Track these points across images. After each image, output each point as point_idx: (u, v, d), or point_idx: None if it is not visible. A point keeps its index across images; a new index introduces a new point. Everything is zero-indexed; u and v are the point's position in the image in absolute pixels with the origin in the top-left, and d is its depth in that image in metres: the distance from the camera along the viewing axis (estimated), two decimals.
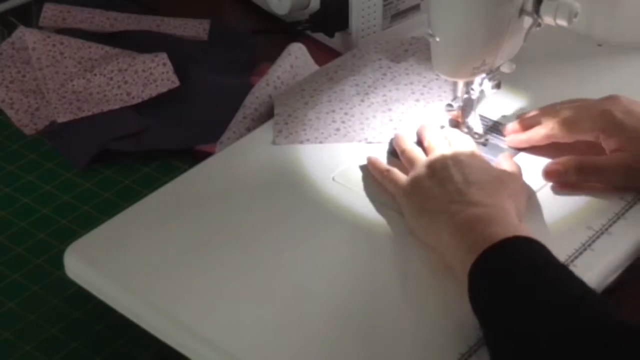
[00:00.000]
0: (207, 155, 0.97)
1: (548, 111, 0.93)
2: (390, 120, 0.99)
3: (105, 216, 0.91)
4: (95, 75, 1.09)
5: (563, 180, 0.90)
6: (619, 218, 0.87)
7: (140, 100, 1.08)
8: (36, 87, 1.10)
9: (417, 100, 1.01)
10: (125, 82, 1.09)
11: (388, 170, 0.89)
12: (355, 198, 0.89)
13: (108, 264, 0.83)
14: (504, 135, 0.96)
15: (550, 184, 0.91)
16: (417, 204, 0.85)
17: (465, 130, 0.96)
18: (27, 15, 1.21)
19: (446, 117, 0.97)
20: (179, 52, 1.13)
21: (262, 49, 1.18)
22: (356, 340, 0.76)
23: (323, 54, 1.14)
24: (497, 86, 0.94)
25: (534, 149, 0.94)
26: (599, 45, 1.10)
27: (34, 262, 0.91)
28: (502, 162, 0.90)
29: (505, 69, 0.93)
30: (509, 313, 0.73)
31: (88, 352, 0.83)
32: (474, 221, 0.79)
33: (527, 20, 0.90)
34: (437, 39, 0.89)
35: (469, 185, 0.83)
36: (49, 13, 1.19)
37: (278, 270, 0.82)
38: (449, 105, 0.96)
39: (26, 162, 1.03)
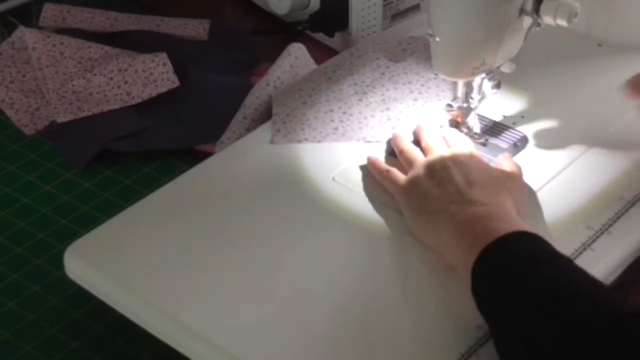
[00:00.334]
0: (207, 155, 0.97)
1: None
2: (389, 119, 0.99)
3: (105, 216, 0.91)
4: (95, 75, 1.09)
5: None
6: (619, 218, 0.87)
7: (140, 100, 1.08)
8: (36, 87, 1.10)
9: (416, 100, 1.01)
10: (125, 82, 1.09)
11: (388, 171, 0.89)
12: (355, 198, 0.89)
13: (108, 264, 0.83)
14: (503, 135, 0.96)
15: (550, 183, 0.91)
16: (417, 204, 0.85)
17: (465, 130, 0.96)
18: (27, 15, 1.22)
19: (446, 117, 0.97)
20: (179, 52, 1.13)
21: (262, 49, 1.18)
22: (356, 340, 0.76)
23: (323, 54, 1.14)
24: (497, 86, 0.94)
25: None
26: (599, 45, 1.10)
27: (34, 262, 0.91)
28: (503, 162, 0.90)
29: (505, 69, 0.93)
30: (514, 307, 0.73)
31: (88, 352, 0.83)
32: (475, 219, 0.79)
33: (527, 20, 0.90)
34: (437, 39, 0.89)
35: (469, 185, 0.83)
36: (49, 13, 1.19)
37: (278, 270, 0.82)
38: (449, 105, 0.96)
39: (26, 162, 1.03)
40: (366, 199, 0.89)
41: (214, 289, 0.80)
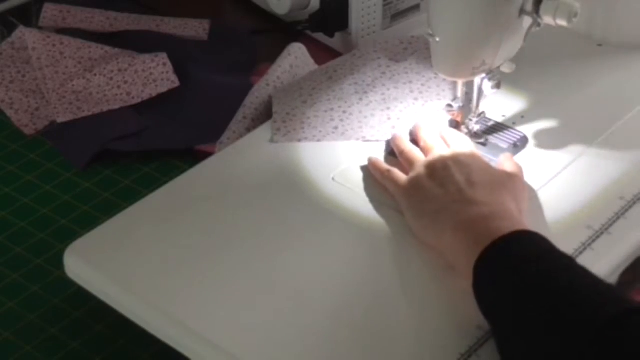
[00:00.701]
0: (207, 155, 0.97)
1: None
2: (389, 118, 0.99)
3: (105, 216, 0.91)
4: (95, 75, 1.09)
5: None
6: (619, 218, 0.87)
7: (140, 100, 1.08)
8: (36, 87, 1.10)
9: (416, 99, 1.01)
10: (125, 82, 1.09)
11: (389, 171, 0.89)
12: (355, 198, 0.89)
13: (108, 264, 0.83)
14: (503, 135, 0.96)
15: (550, 183, 0.91)
16: (418, 204, 0.85)
17: (465, 130, 0.96)
18: (27, 15, 1.22)
19: (446, 117, 0.97)
20: (179, 52, 1.13)
21: (262, 49, 1.18)
22: (356, 340, 0.76)
23: (323, 54, 1.14)
24: (497, 86, 0.94)
25: None
26: (599, 45, 1.10)
27: (34, 262, 0.91)
28: (504, 162, 0.90)
29: (505, 69, 0.93)
30: (516, 306, 0.73)
31: (88, 352, 0.83)
32: (477, 219, 0.79)
33: (527, 20, 0.90)
34: (437, 39, 0.89)
35: (471, 185, 0.83)
36: (49, 13, 1.19)
37: (278, 270, 0.82)
38: (449, 105, 0.96)
39: (26, 162, 1.03)
40: (366, 199, 0.89)
41: (214, 289, 0.80)
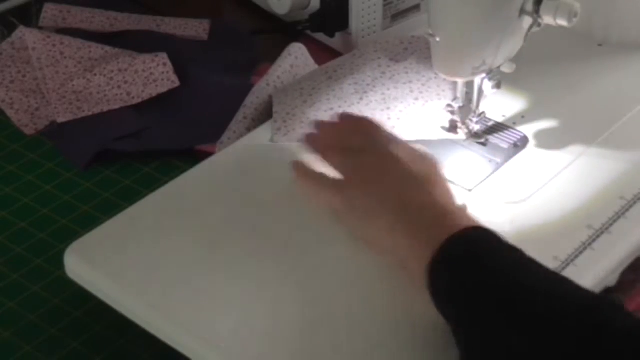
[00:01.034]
0: (207, 155, 0.97)
1: None
2: (389, 118, 0.99)
3: (105, 216, 0.91)
4: (95, 75, 1.09)
5: None
6: (619, 217, 0.87)
7: (140, 100, 1.08)
8: (36, 87, 1.10)
9: (416, 99, 1.01)
10: (125, 82, 1.09)
11: (317, 192, 0.86)
12: None
13: (108, 264, 0.83)
14: (503, 135, 0.96)
15: (550, 182, 0.91)
16: (360, 220, 0.83)
17: (465, 130, 0.96)
18: (27, 15, 1.22)
19: (446, 117, 0.97)
20: (179, 52, 1.13)
21: (262, 49, 1.18)
22: (355, 340, 0.76)
23: (323, 54, 1.14)
24: (497, 86, 0.94)
25: None
26: (599, 45, 1.10)
27: (34, 262, 0.91)
28: (420, 158, 0.87)
29: (505, 69, 0.93)
30: (475, 301, 0.73)
31: (88, 352, 0.83)
32: (424, 219, 0.79)
33: (527, 20, 0.90)
34: (437, 39, 0.89)
35: (404, 186, 0.82)
36: (49, 13, 1.19)
37: (278, 270, 0.82)
38: (449, 105, 0.96)
39: (26, 162, 1.03)
40: None
41: (214, 289, 0.80)
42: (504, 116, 1.00)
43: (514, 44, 0.92)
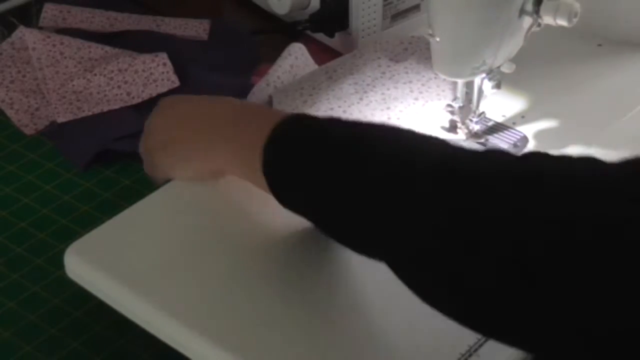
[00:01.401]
0: None
1: None
2: (389, 118, 0.99)
3: (105, 216, 0.91)
4: (95, 75, 1.09)
5: None
6: None
7: (140, 100, 1.08)
8: (36, 87, 1.10)
9: (416, 99, 1.01)
10: (125, 82, 1.09)
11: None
12: None
13: (108, 264, 0.83)
14: (503, 135, 0.96)
15: None
16: (175, 157, 0.86)
17: (465, 130, 0.96)
18: (27, 15, 1.22)
19: (446, 117, 0.97)
20: (179, 52, 1.13)
21: (262, 49, 1.18)
22: (355, 340, 0.76)
23: (323, 54, 1.14)
24: (497, 86, 0.94)
25: None
26: (599, 45, 1.10)
27: (34, 262, 0.91)
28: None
29: (505, 69, 0.93)
30: (322, 173, 0.74)
31: (88, 352, 0.83)
32: (243, 124, 0.81)
33: (527, 20, 0.90)
34: (437, 39, 0.89)
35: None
36: (49, 13, 1.19)
37: (279, 270, 0.82)
38: (449, 105, 0.96)
39: (26, 162, 1.03)
40: None
41: (214, 289, 0.80)
42: (503, 116, 1.00)
43: (514, 44, 0.92)
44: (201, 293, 0.80)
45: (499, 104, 1.00)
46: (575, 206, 0.62)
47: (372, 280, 0.81)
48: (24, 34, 1.14)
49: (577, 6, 0.88)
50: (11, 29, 1.17)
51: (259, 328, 0.77)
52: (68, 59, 1.12)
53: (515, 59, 0.93)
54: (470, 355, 0.75)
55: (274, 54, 1.09)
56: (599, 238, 0.60)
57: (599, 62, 1.07)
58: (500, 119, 0.99)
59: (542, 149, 0.95)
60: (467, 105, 0.96)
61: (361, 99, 1.01)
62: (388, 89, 1.02)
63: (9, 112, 1.08)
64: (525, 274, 0.62)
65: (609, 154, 0.94)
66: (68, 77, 1.10)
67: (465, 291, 0.66)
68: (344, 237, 0.76)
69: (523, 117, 1.00)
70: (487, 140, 0.96)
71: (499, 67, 0.93)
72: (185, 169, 0.87)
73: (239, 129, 0.81)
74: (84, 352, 0.83)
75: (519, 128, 0.98)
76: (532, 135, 0.97)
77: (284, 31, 1.21)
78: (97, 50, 1.13)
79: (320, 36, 1.19)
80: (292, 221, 0.87)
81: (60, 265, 0.85)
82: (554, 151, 0.94)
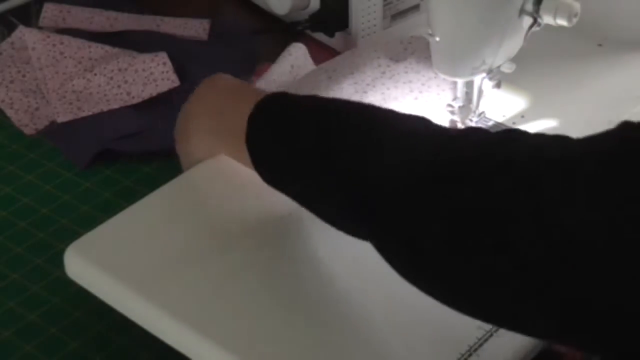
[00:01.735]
0: None
1: None
2: None
3: (105, 216, 0.91)
4: (95, 75, 1.09)
5: None
6: None
7: (140, 100, 1.08)
8: (36, 87, 1.10)
9: (416, 99, 1.01)
10: (125, 82, 1.09)
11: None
12: None
13: (108, 264, 0.83)
14: None
15: None
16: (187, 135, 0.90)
17: None
18: (27, 15, 1.22)
19: (446, 116, 0.97)
20: (179, 52, 1.13)
21: (262, 49, 1.18)
22: (355, 340, 0.76)
23: (323, 54, 1.14)
24: (497, 86, 0.94)
25: None
26: (599, 45, 1.10)
27: (34, 262, 0.91)
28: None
29: (505, 68, 0.93)
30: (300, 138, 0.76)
31: (88, 352, 0.83)
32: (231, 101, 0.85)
33: (527, 20, 0.90)
34: (437, 39, 0.89)
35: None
36: (49, 13, 1.19)
37: (279, 270, 0.82)
38: (449, 105, 0.96)
39: (26, 162, 1.03)
40: None
41: (215, 289, 0.80)
42: (504, 116, 1.00)
43: (514, 44, 0.92)
44: (201, 293, 0.80)
45: (499, 104, 1.00)
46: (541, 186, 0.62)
47: (373, 281, 0.81)
48: (24, 34, 1.14)
49: (577, 6, 0.88)
50: (11, 29, 1.17)
51: (259, 328, 0.77)
52: (68, 59, 1.12)
53: (515, 59, 0.93)
54: (470, 355, 0.75)
55: (274, 54, 1.09)
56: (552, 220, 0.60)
57: (599, 62, 1.07)
58: (500, 119, 0.99)
59: None
60: (467, 105, 0.96)
61: (361, 98, 1.01)
62: (388, 89, 1.02)
63: (9, 112, 1.08)
64: (514, 257, 0.62)
65: None
66: (68, 77, 1.10)
67: (449, 270, 0.66)
68: (323, 214, 0.78)
69: (523, 117, 1.00)
70: None
71: (499, 67, 0.93)
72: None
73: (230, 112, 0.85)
74: (84, 352, 0.83)
75: (518, 128, 0.98)
76: None
77: (284, 31, 1.21)
78: (97, 50, 1.13)
79: (320, 36, 1.19)
80: (292, 221, 0.87)
81: (60, 265, 0.85)
82: None
